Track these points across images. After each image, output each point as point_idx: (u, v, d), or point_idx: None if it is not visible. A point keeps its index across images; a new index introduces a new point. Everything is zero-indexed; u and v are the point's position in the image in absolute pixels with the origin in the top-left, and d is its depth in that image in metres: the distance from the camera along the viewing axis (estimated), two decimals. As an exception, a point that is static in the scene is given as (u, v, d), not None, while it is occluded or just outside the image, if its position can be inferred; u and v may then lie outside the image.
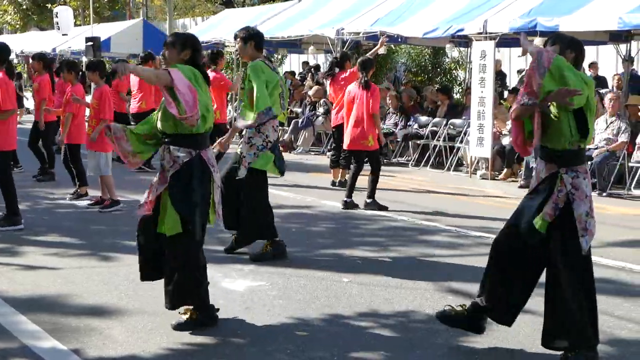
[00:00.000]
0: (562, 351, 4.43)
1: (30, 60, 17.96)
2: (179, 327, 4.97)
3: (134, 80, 13.27)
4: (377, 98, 9.54)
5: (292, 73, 22.65)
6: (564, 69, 4.26)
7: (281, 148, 15.40)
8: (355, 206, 9.49)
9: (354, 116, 9.51)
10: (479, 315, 4.72)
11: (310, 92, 17.11)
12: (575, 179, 4.40)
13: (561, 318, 4.38)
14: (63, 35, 25.53)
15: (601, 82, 15.94)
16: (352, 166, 9.80)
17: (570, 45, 4.48)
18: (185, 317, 5.04)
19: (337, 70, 11.28)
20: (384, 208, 9.41)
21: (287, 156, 15.30)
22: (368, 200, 9.46)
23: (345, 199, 9.55)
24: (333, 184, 11.39)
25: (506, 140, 12.30)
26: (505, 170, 12.24)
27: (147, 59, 13.55)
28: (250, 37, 6.82)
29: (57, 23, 25.26)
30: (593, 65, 16.53)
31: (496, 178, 12.29)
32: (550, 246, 4.42)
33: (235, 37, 7.02)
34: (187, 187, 4.90)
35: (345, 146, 9.86)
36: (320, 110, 16.27)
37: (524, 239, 4.46)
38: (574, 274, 4.37)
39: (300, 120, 16.51)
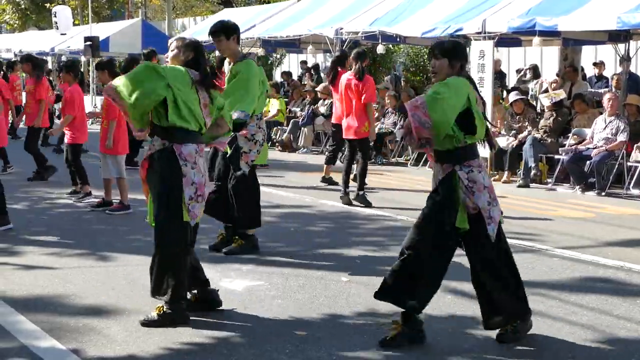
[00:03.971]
0: (498, 328, 4.78)
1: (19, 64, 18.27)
2: (146, 323, 5.03)
3: None
4: (371, 88, 9.72)
5: (289, 74, 22.64)
6: (437, 100, 4.54)
7: (279, 148, 15.52)
8: (350, 202, 9.73)
9: (348, 105, 9.78)
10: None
11: (318, 88, 17.16)
12: (470, 173, 4.66)
13: (494, 299, 4.75)
14: (62, 34, 25.52)
15: (605, 81, 15.93)
16: (345, 157, 10.08)
17: (456, 56, 4.72)
18: (154, 313, 5.06)
19: (339, 69, 11.17)
20: (369, 204, 9.60)
21: (287, 156, 15.36)
22: (360, 193, 9.63)
23: (344, 190, 9.83)
24: (322, 179, 11.49)
25: (503, 142, 12.27)
26: (506, 172, 12.19)
27: (150, 56, 13.56)
28: (234, 31, 6.76)
29: (56, 22, 25.25)
30: (598, 65, 16.53)
31: (495, 177, 12.28)
32: (468, 238, 4.74)
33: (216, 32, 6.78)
34: (155, 175, 5.08)
35: (344, 135, 10.05)
36: (322, 109, 16.28)
37: (441, 238, 4.73)
38: (492, 259, 4.73)
39: (301, 118, 16.56)
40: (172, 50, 5.26)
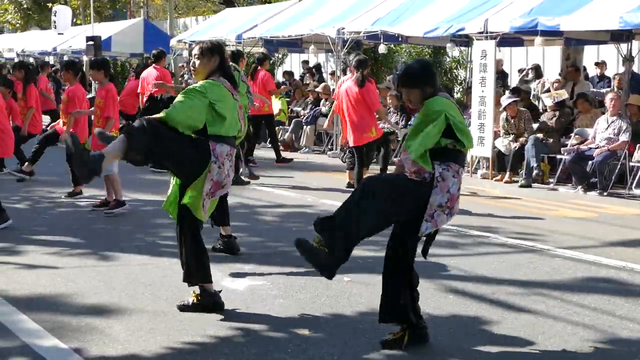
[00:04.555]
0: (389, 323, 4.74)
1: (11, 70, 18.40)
2: (183, 308, 5.28)
3: (152, 78, 13.24)
4: (374, 94, 9.68)
5: (291, 73, 22.62)
6: (422, 135, 4.48)
7: (281, 147, 15.50)
8: None
9: (351, 115, 9.67)
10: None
11: (318, 89, 17.15)
12: (444, 171, 4.56)
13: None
14: (59, 34, 25.52)
15: (607, 81, 15.92)
16: (356, 164, 9.93)
17: (426, 82, 4.63)
18: (191, 299, 5.29)
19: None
20: None
21: (289, 155, 15.33)
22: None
23: None
24: (348, 185, 11.20)
25: (501, 145, 12.21)
26: (508, 172, 12.15)
27: (160, 56, 13.58)
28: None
29: (54, 22, 25.27)
30: (600, 65, 16.52)
31: (497, 178, 12.27)
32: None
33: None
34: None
35: (351, 144, 9.95)
36: (324, 109, 16.27)
37: None
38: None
39: (305, 117, 16.57)
40: (197, 58, 5.21)
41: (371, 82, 9.96)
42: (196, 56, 5.23)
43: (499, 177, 12.21)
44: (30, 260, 6.78)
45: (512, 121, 12.28)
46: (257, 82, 13.34)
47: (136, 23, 26.85)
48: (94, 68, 9.22)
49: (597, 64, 16.74)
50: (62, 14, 25.30)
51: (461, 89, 18.28)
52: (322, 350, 4.62)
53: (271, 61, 23.35)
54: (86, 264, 6.74)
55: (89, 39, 21.98)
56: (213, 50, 5.24)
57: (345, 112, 9.94)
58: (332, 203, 9.86)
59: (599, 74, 16.45)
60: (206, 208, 5.18)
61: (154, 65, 13.54)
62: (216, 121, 5.11)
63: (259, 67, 13.52)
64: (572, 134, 11.94)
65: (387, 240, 4.75)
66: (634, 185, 10.91)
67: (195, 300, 5.30)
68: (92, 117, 10.13)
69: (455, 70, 19.78)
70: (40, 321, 5.09)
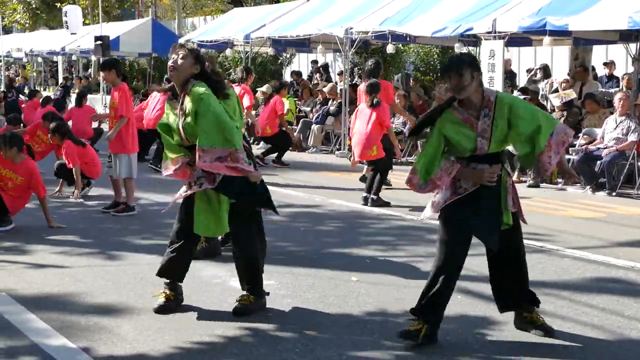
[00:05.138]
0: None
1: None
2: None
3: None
4: (386, 114, 9.70)
5: (299, 73, 22.65)
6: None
7: (290, 148, 15.50)
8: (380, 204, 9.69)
9: (359, 130, 9.74)
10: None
11: (325, 89, 17.14)
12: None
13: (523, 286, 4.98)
14: (72, 34, 25.68)
15: (616, 81, 15.89)
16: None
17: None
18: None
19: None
20: (387, 204, 9.68)
21: (297, 155, 15.35)
22: (374, 197, 9.64)
23: (364, 194, 9.78)
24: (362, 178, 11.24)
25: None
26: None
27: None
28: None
29: (66, 22, 25.42)
30: (608, 65, 16.48)
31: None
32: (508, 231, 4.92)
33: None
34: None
35: (356, 157, 9.93)
36: (332, 109, 16.27)
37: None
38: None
39: (315, 116, 16.58)
40: (182, 58, 5.12)
41: (387, 84, 9.99)
42: (181, 55, 5.12)
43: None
44: (39, 260, 6.81)
45: (521, 121, 12.24)
46: (269, 105, 13.99)
47: (144, 23, 26.94)
48: (105, 69, 9.02)
49: (605, 63, 16.70)
50: (72, 13, 25.47)
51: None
52: (329, 350, 4.62)
53: (279, 61, 23.40)
54: (95, 263, 6.76)
55: (97, 38, 22.09)
56: (199, 58, 5.19)
57: (355, 126, 9.89)
58: (341, 203, 9.89)
59: (607, 74, 16.41)
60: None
61: None
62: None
63: (274, 94, 14.23)
64: (581, 134, 11.91)
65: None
66: (642, 185, 10.88)
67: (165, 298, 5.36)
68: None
69: (463, 70, 19.73)
70: (49, 320, 5.11)
